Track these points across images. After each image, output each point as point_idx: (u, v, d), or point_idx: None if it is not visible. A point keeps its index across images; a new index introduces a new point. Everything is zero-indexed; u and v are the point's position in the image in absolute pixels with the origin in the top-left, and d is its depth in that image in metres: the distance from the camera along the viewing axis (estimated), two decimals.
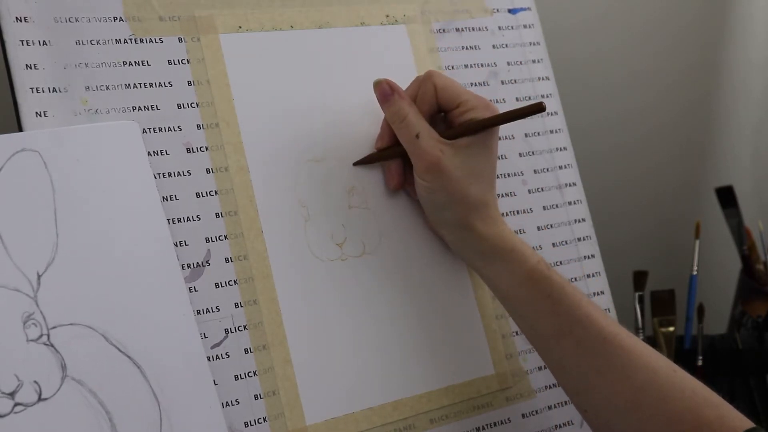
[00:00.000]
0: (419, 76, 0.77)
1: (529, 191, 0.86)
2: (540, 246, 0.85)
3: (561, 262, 0.86)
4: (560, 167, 0.89)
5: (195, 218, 0.71)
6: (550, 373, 0.75)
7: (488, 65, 0.87)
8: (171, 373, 0.66)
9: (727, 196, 1.19)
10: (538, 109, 0.73)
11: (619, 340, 0.71)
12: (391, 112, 0.76)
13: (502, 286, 0.75)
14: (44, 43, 0.69)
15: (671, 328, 1.05)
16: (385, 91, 0.76)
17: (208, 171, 0.73)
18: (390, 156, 0.78)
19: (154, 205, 0.69)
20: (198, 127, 0.73)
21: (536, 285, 0.73)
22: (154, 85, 0.72)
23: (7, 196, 0.63)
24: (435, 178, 0.74)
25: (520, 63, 0.89)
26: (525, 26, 0.90)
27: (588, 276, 0.87)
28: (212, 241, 0.71)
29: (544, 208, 0.86)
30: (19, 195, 0.64)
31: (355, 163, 0.79)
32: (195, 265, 0.70)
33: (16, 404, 0.60)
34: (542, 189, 0.87)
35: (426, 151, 0.74)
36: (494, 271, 0.75)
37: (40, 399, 0.61)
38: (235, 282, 0.71)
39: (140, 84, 0.72)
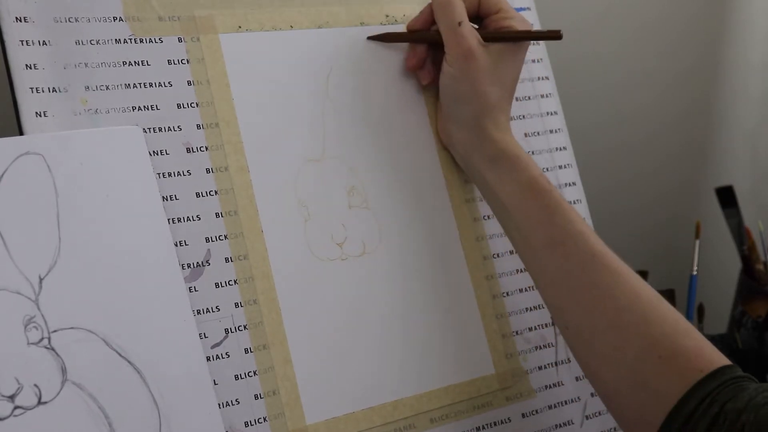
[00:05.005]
0: None
1: None
2: None
3: None
4: (560, 167, 0.89)
5: (195, 218, 0.71)
6: (537, 290, 0.77)
7: None
8: (171, 378, 0.66)
9: (727, 196, 1.19)
10: (555, 36, 0.80)
11: (608, 259, 0.73)
12: None
13: (502, 191, 0.77)
14: (44, 43, 0.69)
15: None
16: None
17: (208, 171, 0.72)
18: (417, 39, 0.81)
19: (157, 211, 0.69)
20: (198, 126, 0.73)
21: (536, 194, 0.75)
22: (153, 85, 0.72)
23: (10, 198, 0.63)
24: (465, 66, 0.77)
25: None
26: None
27: None
28: (212, 241, 0.71)
29: None
30: (22, 198, 0.64)
31: (371, 38, 0.81)
32: (195, 265, 0.70)
33: (16, 407, 0.60)
34: None
35: (465, 38, 0.77)
36: (497, 176, 0.77)
37: (39, 402, 0.61)
38: (235, 282, 0.71)
39: (140, 84, 0.72)
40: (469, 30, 0.78)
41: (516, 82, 0.81)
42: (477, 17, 0.80)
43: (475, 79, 0.77)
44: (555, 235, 0.74)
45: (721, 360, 0.68)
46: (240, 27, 0.76)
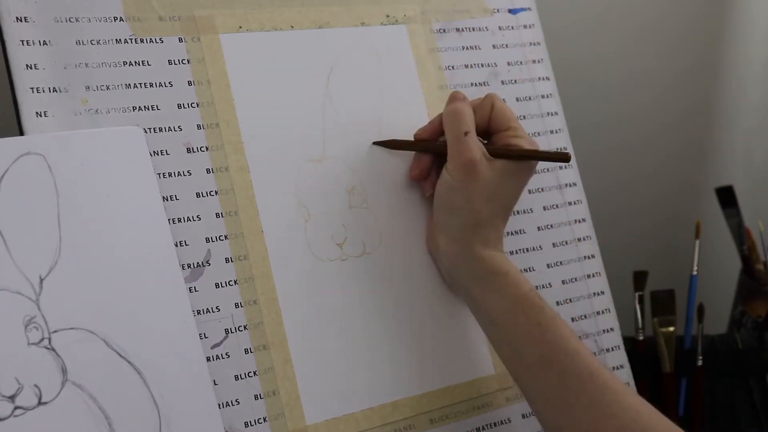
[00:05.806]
0: (479, 97, 0.79)
1: (529, 191, 0.86)
2: (540, 247, 0.85)
3: (561, 263, 0.86)
4: (560, 167, 0.89)
5: (195, 218, 0.71)
6: (532, 410, 0.74)
7: (488, 65, 0.87)
8: (171, 378, 0.66)
9: (727, 196, 1.19)
10: (562, 158, 0.78)
11: (605, 378, 0.70)
12: (453, 107, 0.77)
13: (492, 309, 0.74)
14: (44, 43, 0.69)
15: (671, 328, 1.05)
16: (457, 95, 0.78)
17: (208, 171, 0.73)
18: (422, 149, 0.80)
19: (158, 211, 0.69)
20: (198, 127, 0.73)
21: (527, 311, 0.73)
22: (154, 85, 0.72)
23: (11, 198, 0.63)
24: (465, 177, 0.74)
25: (521, 63, 0.89)
26: (525, 26, 0.90)
27: (588, 276, 0.87)
28: (212, 241, 0.71)
29: (545, 208, 0.86)
30: (23, 198, 0.64)
31: (376, 143, 0.80)
32: (195, 265, 0.70)
33: (16, 408, 0.60)
34: (542, 189, 0.87)
35: (469, 148, 0.75)
36: (484, 292, 0.75)
37: (40, 403, 0.61)
38: (235, 282, 0.72)
39: (140, 84, 0.72)
40: (475, 141, 0.75)
41: (515, 202, 0.78)
42: (486, 133, 0.78)
43: (471, 193, 0.75)
44: (549, 352, 0.71)
45: None
46: (240, 27, 0.76)
